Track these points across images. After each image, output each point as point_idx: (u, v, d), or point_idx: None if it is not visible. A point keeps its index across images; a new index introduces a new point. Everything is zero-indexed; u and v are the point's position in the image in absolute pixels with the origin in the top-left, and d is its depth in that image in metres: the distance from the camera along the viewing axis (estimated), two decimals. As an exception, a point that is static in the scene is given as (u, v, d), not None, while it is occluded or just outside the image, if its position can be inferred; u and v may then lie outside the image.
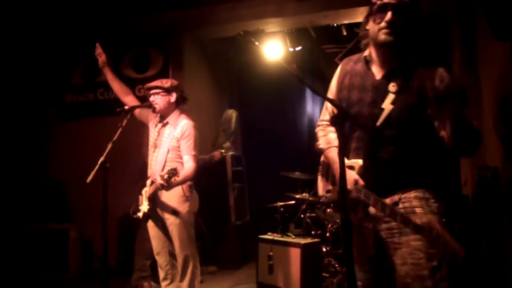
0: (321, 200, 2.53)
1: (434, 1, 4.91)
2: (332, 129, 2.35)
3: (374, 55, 2.19)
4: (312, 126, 7.28)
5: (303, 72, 6.42)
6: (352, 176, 2.14)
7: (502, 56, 3.85)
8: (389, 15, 2.02)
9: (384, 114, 2.09)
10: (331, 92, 2.37)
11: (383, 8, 2.04)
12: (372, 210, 2.14)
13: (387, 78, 2.14)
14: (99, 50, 3.69)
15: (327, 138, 2.37)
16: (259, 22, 5.39)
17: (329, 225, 4.90)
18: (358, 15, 5.29)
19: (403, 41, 2.08)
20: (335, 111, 1.80)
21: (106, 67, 3.72)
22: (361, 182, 2.12)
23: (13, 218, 5.41)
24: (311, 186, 5.38)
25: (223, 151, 4.16)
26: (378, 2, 2.06)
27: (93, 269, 5.53)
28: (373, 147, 2.13)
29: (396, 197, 2.10)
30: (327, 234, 4.88)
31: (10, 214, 5.40)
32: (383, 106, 2.09)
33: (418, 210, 2.06)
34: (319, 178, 2.50)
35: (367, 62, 2.21)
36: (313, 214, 5.16)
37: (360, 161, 2.17)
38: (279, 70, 1.92)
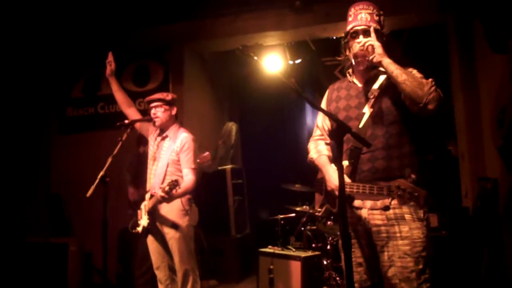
0: (317, 214, 2.71)
1: (432, 14, 4.94)
2: (322, 142, 2.61)
3: (353, 69, 2.49)
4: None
5: (302, 84, 6.45)
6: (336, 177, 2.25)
7: (500, 68, 3.86)
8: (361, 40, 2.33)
9: (365, 117, 2.32)
10: (321, 117, 2.64)
11: (355, 34, 2.38)
12: (363, 213, 2.33)
13: (366, 85, 2.41)
14: (110, 58, 3.69)
15: (317, 149, 2.60)
16: (258, 35, 5.42)
17: (330, 238, 4.88)
18: (357, 28, 5.30)
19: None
20: (332, 126, 1.86)
21: (112, 77, 3.72)
22: (346, 179, 2.26)
23: (12, 232, 5.39)
24: (312, 199, 5.36)
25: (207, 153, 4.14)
26: (350, 30, 2.41)
27: (93, 283, 5.50)
28: (357, 147, 2.32)
29: (386, 201, 2.27)
30: (328, 247, 4.85)
31: (9, 228, 5.39)
32: (364, 110, 2.34)
33: (407, 216, 2.24)
34: (316, 195, 2.68)
35: (350, 75, 2.50)
36: (314, 227, 5.14)
37: (346, 162, 2.34)
38: (279, 83, 1.95)
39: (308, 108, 7.32)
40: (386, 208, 2.26)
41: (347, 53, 2.44)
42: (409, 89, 2.14)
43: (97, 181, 3.06)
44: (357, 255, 2.37)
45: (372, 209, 2.30)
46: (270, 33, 5.42)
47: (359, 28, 2.37)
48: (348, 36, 2.42)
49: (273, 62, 1.90)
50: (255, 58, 1.92)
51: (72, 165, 5.87)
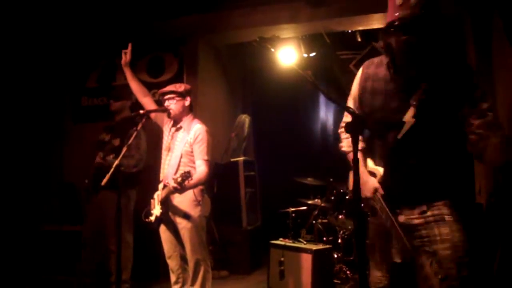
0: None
1: (449, 7, 4.88)
2: None
3: (392, 64, 2.13)
4: (325, 132, 7.27)
5: (317, 78, 6.43)
6: (373, 183, 2.16)
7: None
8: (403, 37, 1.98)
9: (406, 127, 2.07)
10: (353, 95, 2.34)
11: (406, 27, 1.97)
12: (401, 218, 2.14)
13: (409, 87, 2.09)
14: (128, 49, 3.72)
15: (349, 140, 2.30)
16: (273, 28, 5.40)
17: (341, 232, 4.88)
18: (373, 21, 5.27)
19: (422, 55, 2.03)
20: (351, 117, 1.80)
21: (127, 66, 3.75)
22: (381, 191, 2.13)
23: (27, 220, 5.46)
24: (323, 192, 5.37)
25: None
26: (397, 15, 1.98)
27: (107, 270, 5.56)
28: (395, 157, 2.13)
29: (423, 207, 2.10)
30: (339, 241, 4.87)
31: (24, 216, 5.46)
32: (405, 119, 2.07)
33: (447, 218, 2.07)
34: (349, 178, 2.49)
35: (389, 68, 2.16)
36: (325, 220, 5.15)
37: (381, 170, 2.18)
38: (293, 76, 1.93)
39: (322, 101, 7.30)
40: (423, 212, 2.11)
41: (387, 40, 2.05)
42: None
43: (112, 170, 3.09)
44: (387, 257, 2.23)
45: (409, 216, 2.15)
46: (285, 25, 5.40)
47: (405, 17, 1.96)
48: (392, 25, 2.01)
49: (288, 54, 1.84)
50: (272, 50, 1.90)
51: (86, 154, 5.91)
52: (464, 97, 2.01)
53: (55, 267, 5.24)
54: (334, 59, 6.49)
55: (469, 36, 4.99)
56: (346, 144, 2.38)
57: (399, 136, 2.07)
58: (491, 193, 4.11)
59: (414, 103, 2.05)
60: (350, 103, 2.35)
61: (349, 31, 5.92)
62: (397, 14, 1.97)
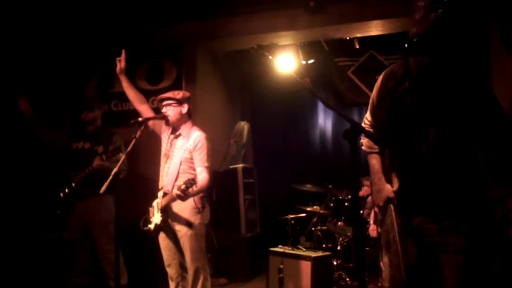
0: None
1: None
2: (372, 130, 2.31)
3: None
4: (323, 138, 7.27)
5: (315, 85, 6.44)
6: (387, 193, 2.15)
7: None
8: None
9: (428, 143, 2.02)
10: (371, 98, 2.25)
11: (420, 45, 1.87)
12: (415, 222, 2.09)
13: (429, 105, 2.02)
14: (122, 56, 3.72)
15: (369, 141, 2.32)
16: (272, 35, 5.42)
17: (340, 239, 4.88)
18: (371, 28, 5.30)
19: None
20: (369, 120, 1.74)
21: (122, 74, 3.75)
22: (395, 201, 2.12)
23: (26, 228, 5.45)
24: (322, 199, 5.37)
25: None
26: (414, 30, 1.89)
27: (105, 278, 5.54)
28: (415, 170, 2.08)
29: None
30: (338, 248, 4.86)
31: (23, 224, 5.44)
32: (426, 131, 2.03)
33: (463, 227, 2.03)
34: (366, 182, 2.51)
35: (409, 91, 2.07)
36: (324, 227, 5.15)
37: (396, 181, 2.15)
38: (292, 83, 1.94)
39: (320, 108, 7.32)
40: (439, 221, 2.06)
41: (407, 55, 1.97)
42: None
43: (110, 177, 3.08)
44: (402, 261, 2.15)
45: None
46: (283, 33, 5.42)
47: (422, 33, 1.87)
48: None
49: (286, 62, 1.84)
50: (270, 57, 1.91)
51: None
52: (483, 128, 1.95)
53: (53, 276, 5.22)
54: (333, 66, 6.51)
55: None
56: (366, 144, 2.35)
57: (421, 149, 2.02)
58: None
59: (434, 120, 2.00)
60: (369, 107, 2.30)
61: (347, 38, 5.93)
62: (412, 29, 1.89)
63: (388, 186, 2.17)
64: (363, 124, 2.35)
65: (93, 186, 3.69)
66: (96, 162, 4.05)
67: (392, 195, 2.14)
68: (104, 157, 4.00)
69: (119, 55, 3.71)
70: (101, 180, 3.13)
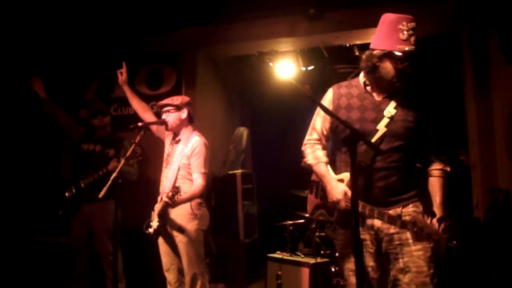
0: (310, 216, 2.70)
1: (446, 23, 4.93)
2: (320, 146, 2.60)
3: (373, 82, 2.44)
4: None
5: (315, 91, 6.43)
6: (342, 188, 2.35)
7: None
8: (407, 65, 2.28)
9: (378, 134, 2.33)
10: (322, 113, 2.57)
11: (406, 58, 2.27)
12: (375, 223, 2.35)
13: (384, 100, 2.41)
14: (123, 69, 3.78)
15: (315, 155, 2.58)
16: (271, 41, 5.44)
17: (339, 245, 4.86)
18: (371, 36, 5.26)
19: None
20: (339, 133, 1.87)
21: (125, 85, 3.81)
22: (349, 194, 2.29)
23: (22, 232, 5.43)
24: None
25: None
26: (405, 49, 2.26)
27: (104, 283, 5.52)
28: (365, 163, 2.32)
29: (398, 210, 2.34)
30: (337, 254, 4.85)
31: (19, 227, 5.43)
32: (378, 127, 2.35)
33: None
34: (309, 197, 2.72)
35: (366, 85, 2.47)
36: (323, 234, 5.13)
37: (347, 175, 2.39)
38: (291, 89, 1.97)
39: (319, 115, 7.32)
40: (399, 216, 2.31)
41: (378, 63, 2.36)
42: None
43: (109, 182, 3.09)
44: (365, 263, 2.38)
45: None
46: (283, 39, 5.44)
47: (409, 51, 2.27)
48: (391, 53, 2.31)
49: (286, 68, 1.92)
50: (270, 64, 1.94)
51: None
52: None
53: (50, 281, 5.20)
54: (332, 73, 6.52)
55: (466, 50, 5.03)
56: (311, 157, 2.58)
57: (372, 140, 2.28)
58: (489, 207, 4.12)
59: (388, 115, 2.35)
60: (319, 121, 2.64)
61: (347, 45, 5.95)
62: (400, 46, 2.26)
63: (340, 183, 2.39)
64: (311, 140, 2.66)
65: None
66: (112, 164, 4.06)
67: (346, 188, 2.34)
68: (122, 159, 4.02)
69: (120, 60, 3.75)
70: (112, 185, 3.13)
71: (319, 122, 2.63)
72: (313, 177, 2.63)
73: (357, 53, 6.14)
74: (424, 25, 4.92)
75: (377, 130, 2.33)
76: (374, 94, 2.44)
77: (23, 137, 5.77)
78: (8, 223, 5.41)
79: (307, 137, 2.67)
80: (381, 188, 2.33)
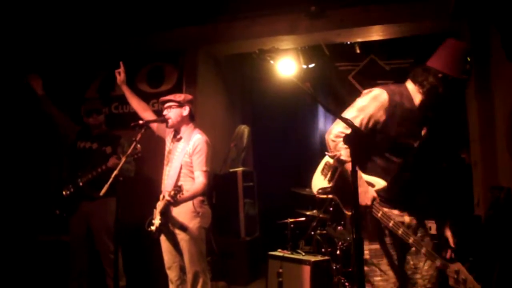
0: (317, 195, 2.65)
1: (447, 20, 4.92)
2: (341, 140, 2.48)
3: (419, 98, 2.45)
4: (324, 142, 7.26)
5: (316, 89, 6.44)
6: (372, 193, 2.32)
7: (516, 77, 3.84)
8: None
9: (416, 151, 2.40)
10: (370, 114, 2.41)
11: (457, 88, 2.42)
12: (406, 219, 2.42)
13: (424, 121, 2.47)
14: (121, 69, 3.79)
15: (347, 152, 2.44)
16: (272, 39, 5.43)
17: (340, 243, 4.87)
18: (372, 33, 5.31)
19: None
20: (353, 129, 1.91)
21: (124, 85, 3.82)
22: (378, 199, 2.31)
23: (24, 230, 5.43)
24: (322, 203, 5.36)
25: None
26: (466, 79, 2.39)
27: (104, 281, 5.53)
28: (405, 174, 2.40)
29: (429, 224, 2.48)
30: (338, 252, 4.85)
31: (21, 226, 5.43)
32: (415, 145, 2.42)
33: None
34: (317, 176, 2.70)
35: (420, 103, 2.45)
36: (324, 232, 5.13)
37: (381, 182, 2.36)
38: (292, 87, 1.97)
39: (321, 112, 7.32)
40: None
41: (435, 82, 2.38)
42: None
43: (110, 180, 3.09)
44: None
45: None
46: (284, 37, 5.43)
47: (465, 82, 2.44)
48: (451, 79, 2.37)
49: (287, 66, 1.87)
50: (272, 62, 1.94)
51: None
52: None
53: (50, 280, 5.21)
54: (333, 71, 6.52)
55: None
56: (345, 153, 2.40)
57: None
58: (490, 206, 4.11)
59: (424, 131, 2.42)
60: (358, 118, 2.40)
61: (348, 42, 5.95)
62: (462, 75, 2.37)
63: (370, 187, 2.35)
64: (341, 134, 2.46)
65: (102, 188, 3.69)
66: (112, 161, 4.06)
67: (375, 194, 2.32)
68: (121, 156, 4.02)
69: (121, 58, 3.74)
70: (113, 182, 3.13)
71: (361, 118, 2.42)
72: (334, 163, 2.58)
73: (358, 51, 6.14)
74: (425, 23, 4.93)
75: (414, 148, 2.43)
76: (420, 112, 2.46)
77: (24, 137, 5.77)
78: (10, 223, 5.42)
79: (340, 129, 2.42)
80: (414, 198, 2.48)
